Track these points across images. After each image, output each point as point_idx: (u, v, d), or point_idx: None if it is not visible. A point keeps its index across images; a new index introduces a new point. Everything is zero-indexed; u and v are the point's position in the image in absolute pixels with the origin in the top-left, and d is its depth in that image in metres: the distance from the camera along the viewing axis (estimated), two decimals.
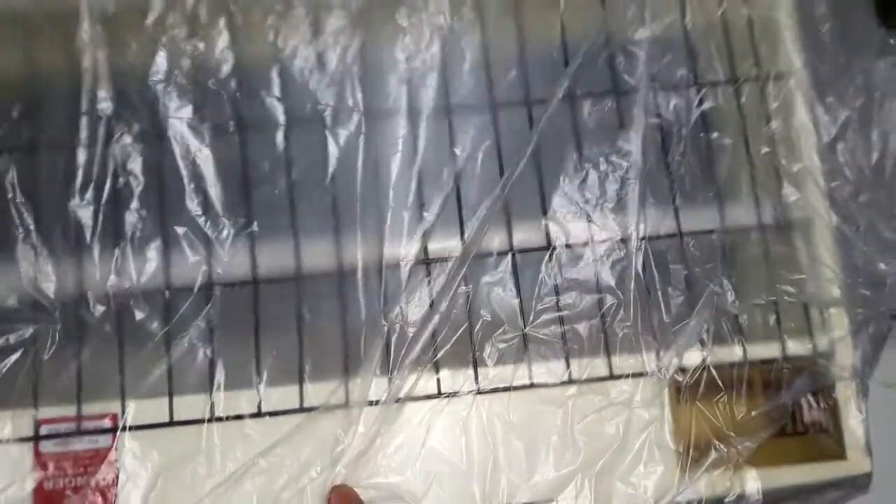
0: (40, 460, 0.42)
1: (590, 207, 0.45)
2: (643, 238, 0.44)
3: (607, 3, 0.46)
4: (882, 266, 0.42)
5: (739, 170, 0.46)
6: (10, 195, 0.44)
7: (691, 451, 0.42)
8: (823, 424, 0.43)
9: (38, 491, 0.42)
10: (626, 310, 0.43)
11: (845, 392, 0.43)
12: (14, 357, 0.42)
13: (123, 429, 0.42)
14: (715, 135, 0.46)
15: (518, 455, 0.42)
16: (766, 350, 0.43)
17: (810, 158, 0.44)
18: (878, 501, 0.46)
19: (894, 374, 0.46)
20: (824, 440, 0.43)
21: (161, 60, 0.45)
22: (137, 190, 0.45)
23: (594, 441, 0.42)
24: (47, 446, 0.42)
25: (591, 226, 0.44)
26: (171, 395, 0.43)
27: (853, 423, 0.43)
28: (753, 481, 0.42)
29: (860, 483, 0.42)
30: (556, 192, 0.45)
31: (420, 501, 0.42)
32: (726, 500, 0.41)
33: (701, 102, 0.46)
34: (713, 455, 0.42)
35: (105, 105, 0.45)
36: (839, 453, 0.43)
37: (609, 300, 0.43)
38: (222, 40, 0.46)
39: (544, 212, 0.45)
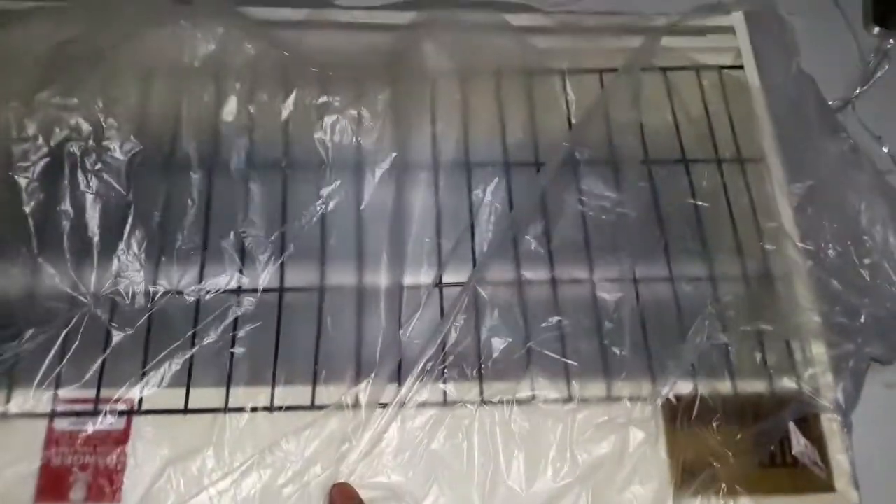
0: (53, 437, 0.43)
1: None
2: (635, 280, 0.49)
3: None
4: (854, 301, 0.46)
5: (723, 230, 0.51)
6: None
7: (684, 470, 0.43)
8: (812, 458, 0.44)
9: (46, 467, 0.42)
10: (622, 335, 0.46)
11: (830, 426, 0.45)
12: (44, 337, 0.45)
13: (138, 412, 0.44)
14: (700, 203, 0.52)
15: (518, 465, 0.44)
16: (753, 385, 0.46)
17: (786, 219, 0.50)
18: (878, 501, 0.46)
19: (895, 375, 0.49)
20: (813, 473, 0.44)
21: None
22: (192, 210, 0.50)
23: (592, 456, 0.44)
24: (62, 424, 0.43)
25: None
26: (188, 385, 0.45)
27: (840, 457, 0.44)
28: None
29: None
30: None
31: (420, 503, 0.42)
32: None
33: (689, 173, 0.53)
34: (705, 475, 0.43)
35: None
36: (828, 486, 0.44)
37: (607, 325, 0.47)
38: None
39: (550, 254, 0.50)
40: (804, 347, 0.46)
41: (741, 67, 0.57)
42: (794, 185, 0.51)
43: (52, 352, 0.45)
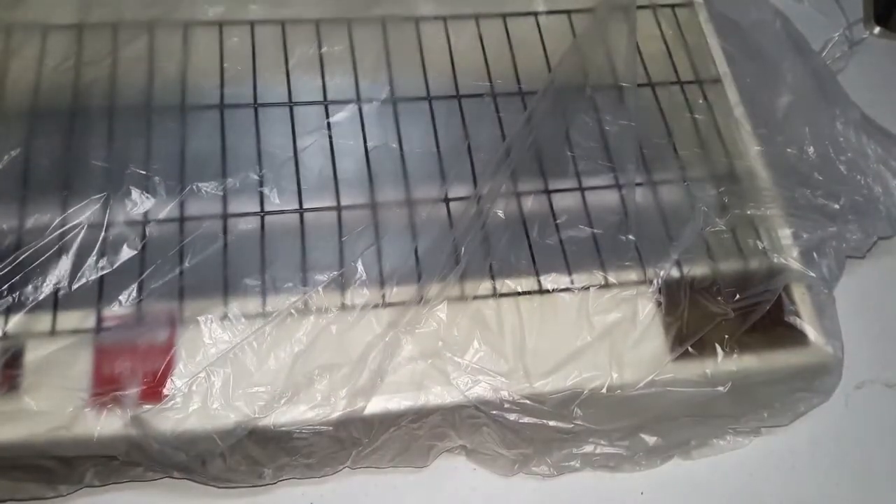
0: (100, 347, 0.46)
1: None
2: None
3: None
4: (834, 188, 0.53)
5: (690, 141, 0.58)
6: None
7: (681, 332, 0.49)
8: (798, 319, 0.50)
9: (97, 373, 0.45)
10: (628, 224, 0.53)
11: (815, 297, 0.52)
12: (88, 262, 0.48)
13: (181, 322, 0.47)
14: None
15: (542, 329, 0.49)
16: (746, 264, 0.52)
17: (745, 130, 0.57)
18: (878, 501, 0.52)
19: (894, 375, 0.55)
20: (794, 332, 0.50)
21: None
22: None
23: (607, 321, 0.49)
24: (107, 337, 0.46)
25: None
26: (226, 294, 0.48)
27: (821, 319, 0.51)
28: (728, 363, 0.49)
29: (824, 374, 0.50)
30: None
31: (464, 352, 0.47)
32: (708, 373, 0.48)
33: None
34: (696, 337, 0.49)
35: None
36: (808, 342, 0.50)
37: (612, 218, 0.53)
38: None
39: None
40: (782, 232, 0.53)
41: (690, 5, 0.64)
42: (778, 98, 0.58)
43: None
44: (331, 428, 0.47)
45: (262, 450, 0.48)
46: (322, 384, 0.47)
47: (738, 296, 0.50)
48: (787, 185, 0.54)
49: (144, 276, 0.48)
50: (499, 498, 0.52)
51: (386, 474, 0.52)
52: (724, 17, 0.62)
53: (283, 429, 0.46)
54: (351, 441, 0.49)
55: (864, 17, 0.75)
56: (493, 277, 0.50)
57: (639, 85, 0.59)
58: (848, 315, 0.53)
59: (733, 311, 0.50)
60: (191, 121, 0.54)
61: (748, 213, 0.53)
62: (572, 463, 0.53)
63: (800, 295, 0.51)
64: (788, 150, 0.56)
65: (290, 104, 0.55)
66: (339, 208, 0.52)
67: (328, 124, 0.55)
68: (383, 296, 0.49)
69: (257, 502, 0.51)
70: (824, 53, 0.70)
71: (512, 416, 0.48)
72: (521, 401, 0.48)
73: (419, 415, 0.48)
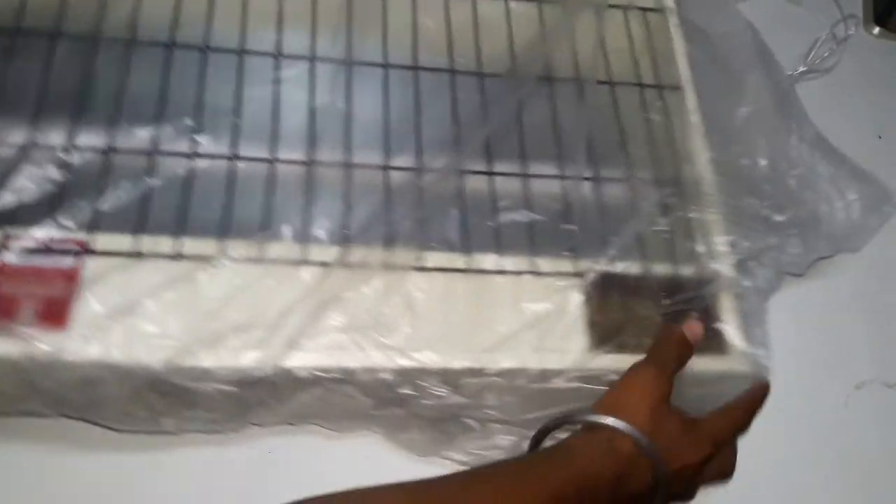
0: (3, 269, 0.44)
1: None
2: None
3: None
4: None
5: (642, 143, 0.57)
6: None
7: (604, 331, 0.48)
8: (725, 328, 0.50)
9: None
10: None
11: (734, 302, 0.51)
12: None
13: (90, 253, 0.45)
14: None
15: (471, 312, 0.48)
16: (681, 268, 0.52)
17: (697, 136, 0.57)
18: (879, 500, 0.52)
19: (894, 375, 0.55)
20: (718, 340, 0.50)
21: None
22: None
23: (537, 310, 0.49)
24: (12, 258, 0.44)
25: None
26: (140, 231, 0.46)
27: (735, 328, 0.50)
28: None
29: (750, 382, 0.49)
30: None
31: (384, 326, 0.46)
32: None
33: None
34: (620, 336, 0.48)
35: None
36: (729, 350, 0.50)
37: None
38: None
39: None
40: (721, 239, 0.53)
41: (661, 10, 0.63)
42: (738, 108, 0.57)
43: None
44: (235, 388, 0.45)
45: (162, 400, 0.46)
46: (231, 341, 0.45)
47: (667, 300, 0.50)
48: (734, 194, 0.54)
49: (61, 205, 0.46)
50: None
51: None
52: (693, 25, 0.62)
53: (185, 383, 0.44)
54: (257, 401, 0.48)
55: (864, 17, 0.74)
56: (421, 251, 0.49)
57: (599, 82, 0.59)
58: (848, 315, 0.52)
59: (661, 314, 0.49)
60: (137, 57, 0.52)
61: (689, 216, 0.53)
62: (485, 453, 0.52)
63: (731, 303, 0.51)
64: (741, 160, 0.55)
65: (241, 52, 0.54)
66: (273, 161, 0.50)
67: (277, 77, 0.53)
68: (307, 256, 0.48)
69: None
70: (812, 54, 0.70)
71: (427, 400, 0.47)
72: (436, 386, 0.47)
73: (330, 384, 0.46)
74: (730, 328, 0.50)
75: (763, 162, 0.55)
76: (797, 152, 0.57)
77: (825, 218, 0.55)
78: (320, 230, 0.48)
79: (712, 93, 0.57)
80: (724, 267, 0.52)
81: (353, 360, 0.46)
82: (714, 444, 0.43)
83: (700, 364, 0.48)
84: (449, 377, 0.46)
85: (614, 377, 0.47)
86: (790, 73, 0.69)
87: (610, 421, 0.41)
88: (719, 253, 0.52)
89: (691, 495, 0.45)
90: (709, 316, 0.50)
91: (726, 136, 0.55)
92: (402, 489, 0.37)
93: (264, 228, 0.48)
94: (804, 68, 0.71)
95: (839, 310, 0.61)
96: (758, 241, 0.52)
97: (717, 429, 0.44)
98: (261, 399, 0.48)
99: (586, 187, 0.54)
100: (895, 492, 0.54)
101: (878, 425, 0.54)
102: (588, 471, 0.40)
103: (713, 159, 0.54)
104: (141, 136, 0.49)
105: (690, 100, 0.59)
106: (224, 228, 0.48)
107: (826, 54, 0.72)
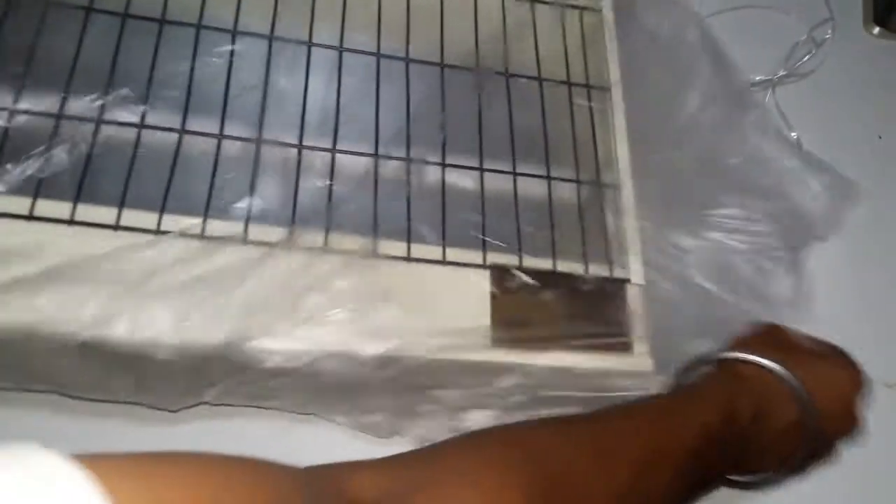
0: None
1: None
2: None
3: None
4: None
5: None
6: None
7: (505, 324, 0.50)
8: (625, 327, 0.51)
9: None
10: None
11: (636, 302, 0.53)
12: None
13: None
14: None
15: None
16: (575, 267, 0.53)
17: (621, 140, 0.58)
18: (879, 500, 0.52)
19: (895, 374, 0.55)
20: (619, 340, 0.51)
21: None
22: None
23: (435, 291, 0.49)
24: None
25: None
26: (77, 198, 0.47)
27: (641, 326, 0.52)
28: (546, 359, 0.50)
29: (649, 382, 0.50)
30: None
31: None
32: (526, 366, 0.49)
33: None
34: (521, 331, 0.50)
35: None
36: (630, 349, 0.51)
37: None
38: None
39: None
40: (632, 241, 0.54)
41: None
42: (684, 109, 0.58)
43: None
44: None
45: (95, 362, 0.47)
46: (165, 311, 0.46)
47: (573, 299, 0.51)
48: (653, 197, 0.54)
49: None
50: None
51: None
52: (640, 25, 0.62)
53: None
54: (207, 376, 0.49)
55: (864, 17, 0.74)
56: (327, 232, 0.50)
57: (528, 78, 0.59)
58: (847, 315, 0.52)
59: (565, 313, 0.50)
60: (93, 25, 0.52)
61: (604, 218, 0.54)
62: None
63: (636, 304, 0.52)
64: (669, 162, 0.56)
65: (198, 26, 0.54)
66: (220, 136, 0.51)
67: (231, 52, 0.54)
68: (246, 233, 0.48)
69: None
70: (790, 57, 0.70)
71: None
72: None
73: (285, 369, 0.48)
74: (633, 330, 0.52)
75: (697, 162, 0.56)
76: (756, 148, 0.57)
77: (793, 210, 0.55)
78: (259, 207, 0.49)
79: (649, 94, 0.58)
80: (632, 268, 0.54)
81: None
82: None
83: (597, 362, 0.50)
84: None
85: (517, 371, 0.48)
86: (770, 77, 0.69)
87: (739, 355, 0.47)
88: (629, 255, 0.54)
89: (848, 431, 0.49)
90: (614, 316, 0.51)
91: (668, 136, 0.55)
92: (546, 427, 0.41)
93: (207, 205, 0.48)
94: (784, 72, 0.71)
95: (839, 309, 0.60)
96: (667, 245, 0.53)
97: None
98: (206, 374, 0.49)
99: (503, 181, 0.55)
100: (895, 492, 0.53)
101: (877, 425, 0.54)
102: (729, 404, 0.45)
103: (644, 160, 0.55)
104: (86, 104, 0.49)
105: (618, 102, 0.59)
106: (167, 202, 0.48)
107: (806, 58, 0.72)
